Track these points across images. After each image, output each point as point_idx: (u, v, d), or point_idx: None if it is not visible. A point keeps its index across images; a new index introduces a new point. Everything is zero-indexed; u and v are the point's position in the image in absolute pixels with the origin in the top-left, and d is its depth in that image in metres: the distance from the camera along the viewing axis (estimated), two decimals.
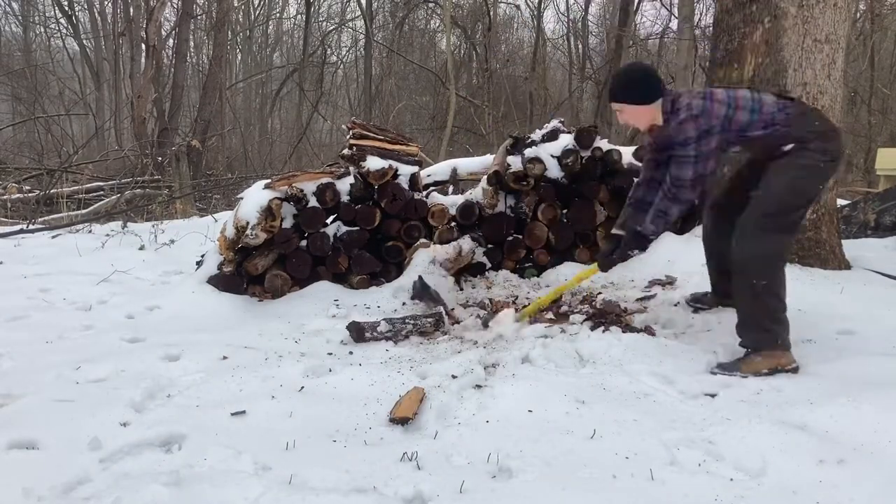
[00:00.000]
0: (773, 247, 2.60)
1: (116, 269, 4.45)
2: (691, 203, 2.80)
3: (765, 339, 2.53)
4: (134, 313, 3.47)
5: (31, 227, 6.55)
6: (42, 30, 21.90)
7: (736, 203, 2.78)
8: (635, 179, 4.12)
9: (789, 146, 2.62)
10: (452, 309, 3.50)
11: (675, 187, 2.69)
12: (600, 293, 3.67)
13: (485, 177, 4.24)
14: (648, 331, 3.03)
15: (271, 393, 2.33)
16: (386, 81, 19.13)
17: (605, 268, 3.11)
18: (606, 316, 3.23)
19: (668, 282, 3.65)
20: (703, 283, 3.52)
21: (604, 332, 2.91)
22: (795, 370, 2.47)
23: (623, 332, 2.92)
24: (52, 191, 8.92)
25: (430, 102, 19.82)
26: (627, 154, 4.21)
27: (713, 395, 2.30)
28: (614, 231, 3.07)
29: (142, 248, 5.32)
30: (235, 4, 18.57)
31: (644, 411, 2.15)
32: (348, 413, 2.19)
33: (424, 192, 4.27)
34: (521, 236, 4.21)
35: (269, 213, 3.58)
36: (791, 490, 1.67)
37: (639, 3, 16.91)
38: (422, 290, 3.51)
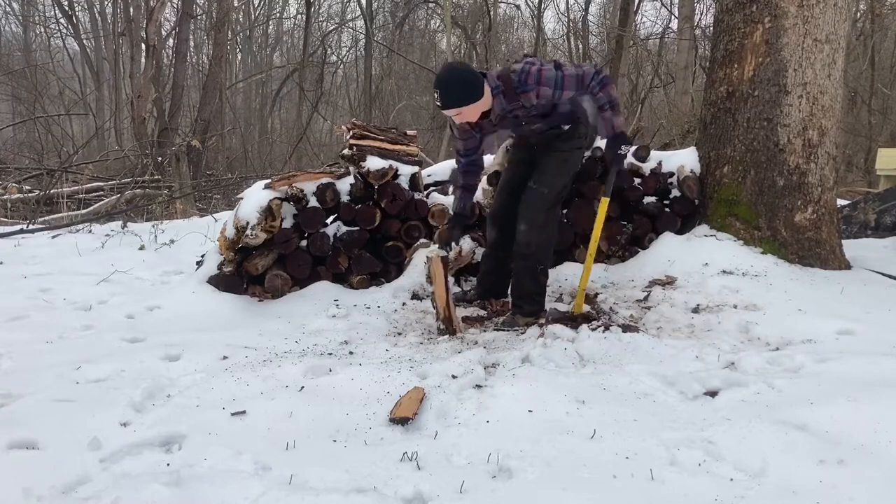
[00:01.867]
0: (555, 232, 3.28)
1: (116, 269, 4.45)
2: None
3: (537, 309, 3.24)
4: (134, 313, 3.47)
5: (31, 227, 6.54)
6: (42, 30, 21.92)
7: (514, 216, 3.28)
8: (635, 181, 4.16)
9: (567, 126, 3.14)
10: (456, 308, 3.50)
11: (606, 80, 3.03)
12: (598, 293, 3.67)
13: (485, 177, 4.24)
14: (648, 331, 3.03)
15: (271, 393, 2.33)
16: (386, 81, 19.15)
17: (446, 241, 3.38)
18: (602, 316, 3.23)
19: (668, 282, 3.65)
20: (703, 283, 3.53)
21: (604, 332, 2.91)
22: (547, 319, 3.13)
23: (623, 332, 2.92)
24: (52, 191, 8.92)
25: (430, 102, 19.82)
26: (628, 154, 4.20)
27: (713, 395, 2.30)
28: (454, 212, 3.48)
29: (142, 248, 5.32)
30: (235, 4, 18.56)
31: (644, 411, 2.15)
32: (348, 413, 2.19)
33: (424, 192, 4.27)
34: None
35: (269, 213, 3.58)
36: (791, 490, 1.67)
37: (639, 3, 16.91)
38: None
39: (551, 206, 3.22)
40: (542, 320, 3.14)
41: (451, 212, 3.67)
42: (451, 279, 3.28)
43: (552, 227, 3.27)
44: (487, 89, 2.98)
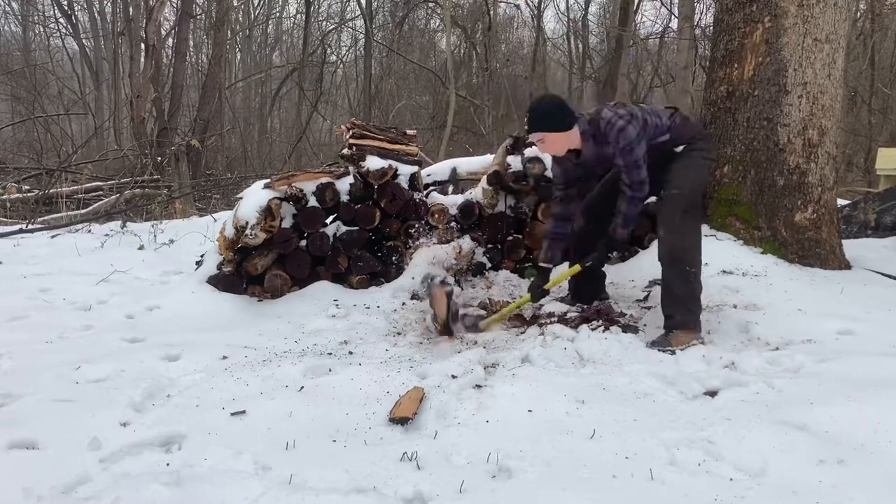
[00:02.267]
0: (697, 236, 3.01)
1: (116, 269, 4.45)
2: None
3: (690, 319, 2.91)
4: (134, 313, 3.47)
5: (30, 227, 6.54)
6: (41, 29, 21.88)
7: (608, 208, 3.13)
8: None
9: (680, 147, 3.04)
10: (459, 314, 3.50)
11: (636, 190, 2.96)
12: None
13: (485, 177, 4.24)
14: (648, 331, 3.02)
15: (271, 393, 2.33)
16: (386, 81, 19.14)
17: (536, 299, 3.33)
18: (603, 316, 3.22)
19: None
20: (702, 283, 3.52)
21: (604, 332, 2.91)
22: (703, 342, 2.85)
23: (623, 332, 2.92)
24: (51, 191, 8.91)
25: (429, 102, 19.83)
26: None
27: (713, 395, 2.30)
28: (541, 264, 3.33)
29: (141, 247, 5.32)
30: (235, 4, 18.56)
31: (644, 411, 2.15)
32: (348, 413, 2.18)
33: (424, 192, 4.27)
34: (521, 236, 4.21)
35: (268, 212, 3.58)
36: (791, 490, 1.67)
37: (639, 3, 16.91)
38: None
39: (685, 207, 2.99)
40: (698, 341, 2.83)
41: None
42: (454, 304, 3.18)
43: (690, 229, 3.00)
44: (577, 129, 2.95)
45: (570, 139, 2.97)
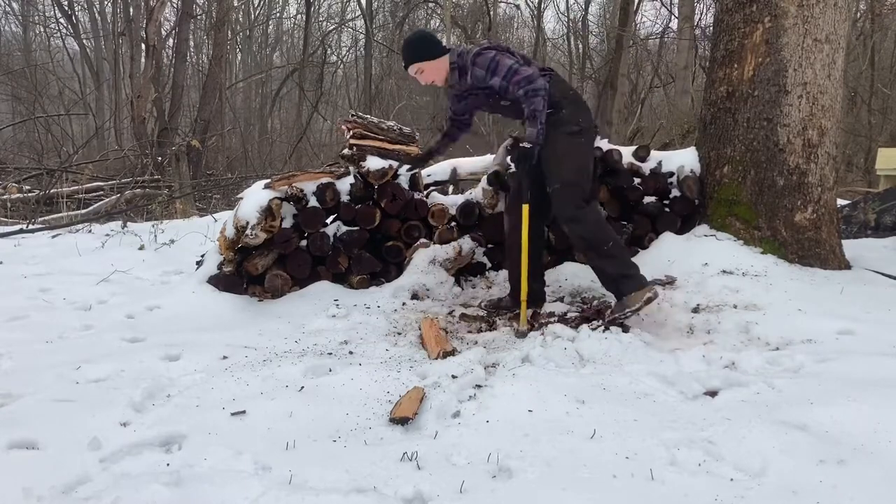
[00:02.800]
0: (595, 213, 3.15)
1: (116, 269, 4.45)
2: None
3: (633, 281, 2.99)
4: (134, 313, 3.47)
5: (30, 227, 6.54)
6: (42, 29, 21.91)
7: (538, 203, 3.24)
8: (635, 181, 4.16)
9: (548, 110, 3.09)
10: (451, 311, 3.50)
11: (523, 85, 3.04)
12: (596, 296, 3.67)
13: (485, 177, 4.24)
14: (648, 330, 3.02)
15: (271, 393, 2.33)
16: (386, 81, 19.14)
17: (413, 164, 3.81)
18: (602, 315, 3.22)
19: (669, 281, 3.64)
20: (703, 283, 3.53)
21: (604, 332, 2.91)
22: (656, 294, 2.97)
23: (623, 332, 2.92)
24: (51, 191, 8.91)
25: (430, 103, 19.83)
26: (627, 154, 4.21)
27: (713, 395, 2.30)
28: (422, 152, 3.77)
29: (142, 247, 5.32)
30: (235, 4, 18.56)
31: (644, 411, 2.15)
32: (348, 413, 2.19)
33: (424, 192, 4.27)
34: None
35: (268, 212, 3.58)
36: (791, 490, 1.67)
37: (639, 3, 16.91)
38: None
39: (571, 195, 3.08)
40: (651, 293, 2.93)
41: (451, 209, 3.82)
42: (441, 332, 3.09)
43: (587, 210, 3.11)
44: (447, 58, 3.24)
45: (443, 66, 3.24)
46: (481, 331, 3.25)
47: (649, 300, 2.94)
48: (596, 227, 3.08)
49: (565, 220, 3.13)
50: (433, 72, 3.28)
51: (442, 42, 3.34)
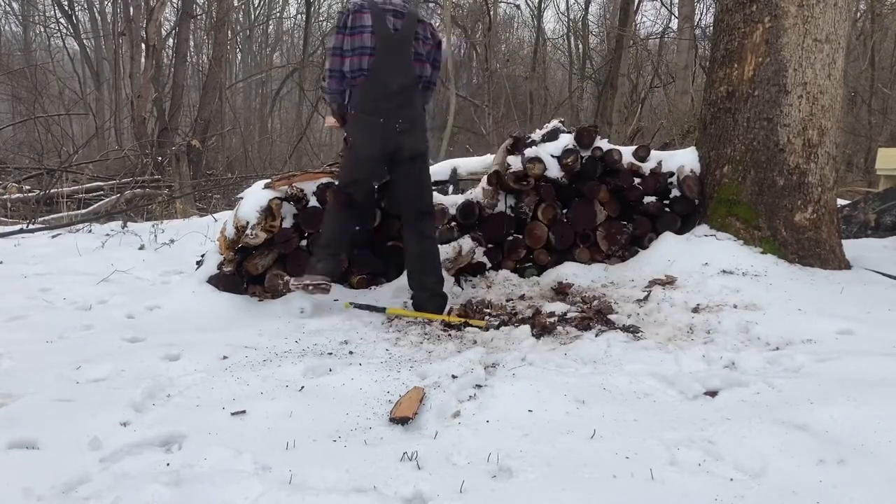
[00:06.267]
0: (330, 216, 3.52)
1: (116, 268, 4.45)
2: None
3: (323, 260, 3.40)
4: (134, 313, 3.47)
5: (31, 226, 6.54)
6: (42, 29, 21.91)
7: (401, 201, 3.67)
8: (635, 180, 4.16)
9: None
10: (450, 310, 3.50)
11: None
12: (596, 296, 3.67)
13: (485, 177, 4.24)
14: (648, 331, 3.02)
15: (271, 393, 2.33)
16: None
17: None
18: (602, 315, 3.23)
19: (668, 281, 3.65)
20: (703, 283, 3.53)
21: (604, 332, 2.91)
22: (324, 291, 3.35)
23: (623, 332, 2.92)
24: (52, 191, 8.91)
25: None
26: (627, 154, 4.21)
27: (713, 395, 2.30)
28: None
29: (142, 247, 5.32)
30: (235, 4, 18.56)
31: (644, 411, 2.15)
32: (348, 413, 2.19)
33: None
34: (521, 236, 4.21)
35: (269, 212, 3.58)
36: (791, 490, 1.67)
37: (639, 3, 16.90)
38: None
39: (342, 195, 3.50)
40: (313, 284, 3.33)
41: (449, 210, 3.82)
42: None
43: (330, 214, 3.54)
44: None
45: None
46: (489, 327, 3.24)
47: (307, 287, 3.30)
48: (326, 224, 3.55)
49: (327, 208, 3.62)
50: None
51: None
